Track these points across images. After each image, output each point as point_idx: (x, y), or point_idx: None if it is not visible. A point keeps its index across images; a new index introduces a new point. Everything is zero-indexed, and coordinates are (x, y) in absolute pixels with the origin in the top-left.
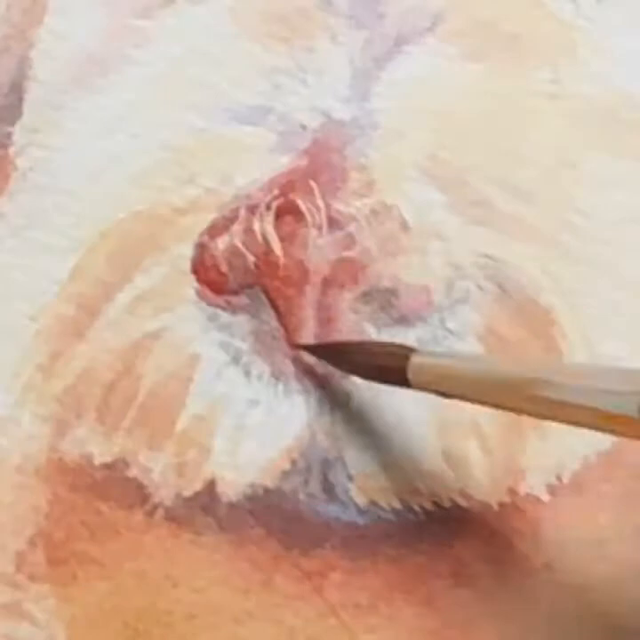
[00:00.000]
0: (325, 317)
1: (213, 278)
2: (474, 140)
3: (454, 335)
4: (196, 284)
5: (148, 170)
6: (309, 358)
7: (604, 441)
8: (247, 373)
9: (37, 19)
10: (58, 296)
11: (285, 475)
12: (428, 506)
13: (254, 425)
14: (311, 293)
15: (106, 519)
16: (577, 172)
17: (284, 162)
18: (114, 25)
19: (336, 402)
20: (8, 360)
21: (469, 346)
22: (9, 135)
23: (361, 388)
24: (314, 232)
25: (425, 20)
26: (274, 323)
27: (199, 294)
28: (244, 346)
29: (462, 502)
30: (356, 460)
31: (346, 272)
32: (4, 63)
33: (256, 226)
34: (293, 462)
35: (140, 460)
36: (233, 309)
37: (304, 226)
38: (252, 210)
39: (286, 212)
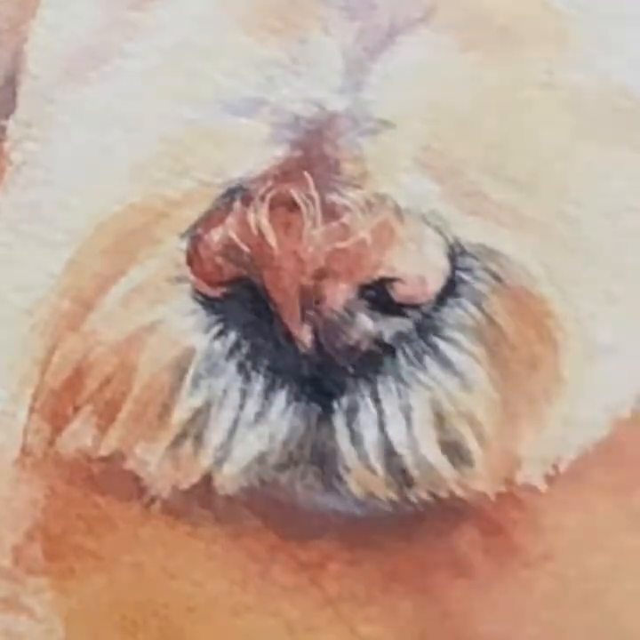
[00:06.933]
0: (321, 308)
1: (208, 270)
2: (468, 130)
3: (450, 326)
4: (191, 277)
5: (142, 163)
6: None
7: (601, 430)
8: (243, 365)
9: (31, 12)
10: (53, 290)
11: (282, 467)
12: (425, 496)
13: (251, 417)
14: (306, 284)
15: (103, 512)
16: (571, 162)
17: (277, 153)
18: (107, 18)
19: (332, 393)
20: (4, 354)
21: (465, 336)
22: (3, 129)
23: (356, 379)
24: (308, 223)
25: (418, 11)
26: (269, 314)
27: (194, 286)
28: (240, 338)
29: (459, 492)
30: (352, 451)
31: (341, 263)
32: None
33: (250, 217)
34: (290, 454)
35: (136, 452)
36: (228, 301)
37: (298, 217)
38: (247, 202)
39: (280, 204)
